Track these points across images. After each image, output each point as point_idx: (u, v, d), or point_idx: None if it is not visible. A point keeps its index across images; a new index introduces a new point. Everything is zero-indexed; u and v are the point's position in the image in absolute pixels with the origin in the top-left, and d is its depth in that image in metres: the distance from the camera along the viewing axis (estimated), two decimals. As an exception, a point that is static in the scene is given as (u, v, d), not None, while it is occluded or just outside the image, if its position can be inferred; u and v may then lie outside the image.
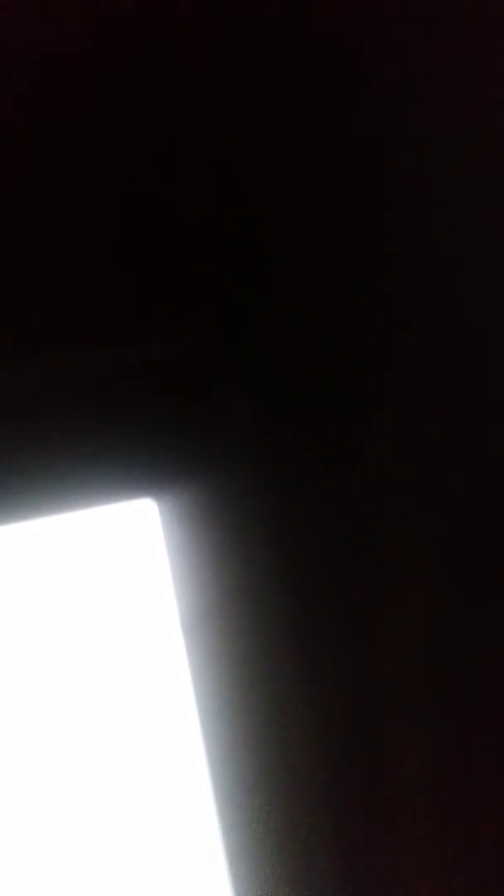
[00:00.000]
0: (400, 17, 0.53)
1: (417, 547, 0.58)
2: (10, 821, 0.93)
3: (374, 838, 0.65)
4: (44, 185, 0.68)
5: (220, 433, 0.78)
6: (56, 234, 0.70)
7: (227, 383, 0.76)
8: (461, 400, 0.55)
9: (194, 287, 0.73)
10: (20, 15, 0.63)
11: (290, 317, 0.69)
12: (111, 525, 0.90)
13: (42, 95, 0.66)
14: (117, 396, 0.76)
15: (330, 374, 0.67)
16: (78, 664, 0.94)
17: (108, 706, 0.93)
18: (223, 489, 0.80)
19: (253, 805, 0.81)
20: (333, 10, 0.57)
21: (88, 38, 0.64)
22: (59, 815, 0.92)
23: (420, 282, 0.57)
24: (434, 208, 0.54)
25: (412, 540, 0.58)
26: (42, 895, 0.92)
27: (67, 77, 0.65)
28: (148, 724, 0.91)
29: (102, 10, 0.64)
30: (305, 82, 0.61)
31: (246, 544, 0.78)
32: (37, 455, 0.78)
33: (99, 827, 0.93)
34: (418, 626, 0.58)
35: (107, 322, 0.73)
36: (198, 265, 0.72)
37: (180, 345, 0.74)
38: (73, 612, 0.94)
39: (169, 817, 0.90)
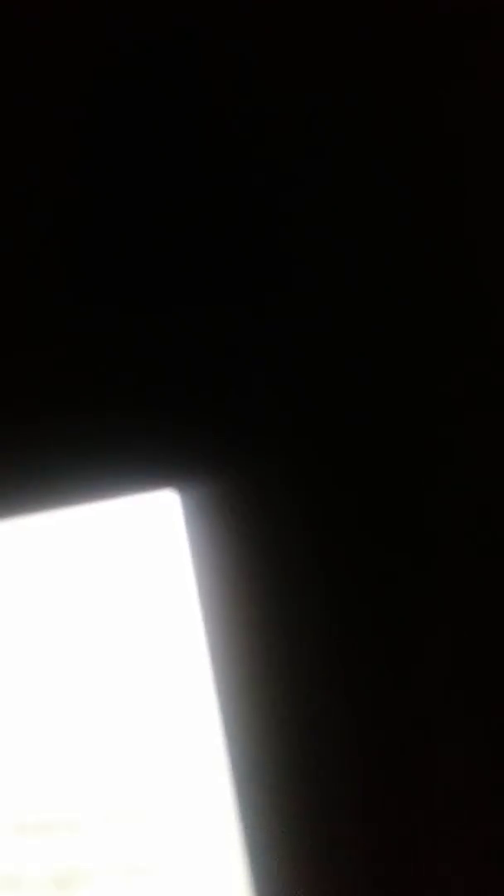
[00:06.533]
0: None
1: (461, 540, 0.56)
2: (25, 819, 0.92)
3: (405, 845, 0.64)
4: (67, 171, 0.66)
5: (246, 422, 0.76)
6: (73, 225, 0.68)
7: (254, 371, 0.74)
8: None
9: (218, 274, 0.71)
10: None
11: (317, 308, 0.68)
12: (133, 517, 0.88)
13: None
14: (139, 382, 0.74)
15: (355, 360, 0.65)
16: (99, 657, 0.92)
17: (128, 701, 0.91)
18: (248, 480, 0.78)
19: (276, 807, 0.79)
20: None
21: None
22: (76, 811, 0.91)
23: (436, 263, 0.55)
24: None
25: (454, 533, 0.56)
26: None
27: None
28: (169, 720, 0.89)
29: None
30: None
31: (272, 537, 0.77)
32: (56, 444, 0.76)
33: (119, 829, 0.91)
34: (463, 623, 0.56)
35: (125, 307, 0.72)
36: (220, 252, 0.71)
37: (205, 335, 0.72)
38: (94, 604, 0.92)
39: (190, 816, 0.89)
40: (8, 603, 0.90)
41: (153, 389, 0.75)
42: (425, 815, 0.65)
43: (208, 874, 0.88)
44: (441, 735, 0.63)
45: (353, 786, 0.70)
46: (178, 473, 0.81)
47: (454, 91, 0.58)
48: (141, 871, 0.89)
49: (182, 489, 0.87)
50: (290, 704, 0.76)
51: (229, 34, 0.63)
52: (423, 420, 0.63)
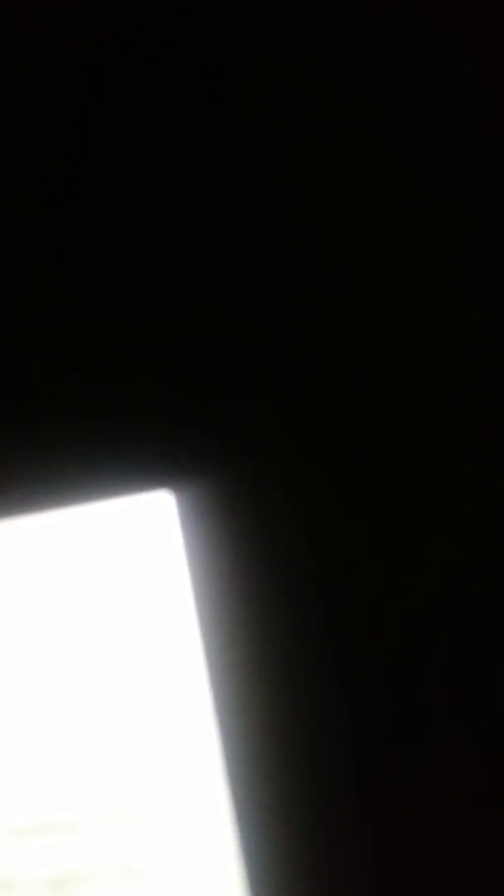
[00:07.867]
0: None
1: (457, 539, 0.56)
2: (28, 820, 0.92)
3: (404, 844, 0.64)
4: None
5: (242, 424, 0.76)
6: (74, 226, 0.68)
7: (249, 374, 0.74)
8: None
9: (216, 277, 0.71)
10: None
11: (313, 308, 0.68)
12: (129, 517, 0.88)
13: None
14: (135, 383, 0.74)
15: (351, 363, 0.65)
16: (95, 657, 0.92)
17: (125, 702, 0.91)
18: (244, 481, 0.78)
19: (274, 807, 0.79)
20: None
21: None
22: (72, 813, 0.91)
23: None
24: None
25: (451, 533, 0.56)
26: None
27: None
28: (166, 721, 0.89)
29: None
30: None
31: (267, 538, 0.77)
32: (54, 445, 0.76)
33: (115, 831, 0.91)
34: (459, 623, 0.56)
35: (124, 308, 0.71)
36: (220, 251, 0.71)
37: (202, 337, 0.72)
38: (90, 604, 0.92)
39: (187, 817, 0.89)
40: (4, 603, 0.90)
41: (150, 392, 0.75)
42: (424, 815, 0.64)
43: (205, 876, 0.88)
44: (439, 735, 0.63)
45: (352, 786, 0.70)
46: (174, 475, 0.81)
47: (458, 103, 0.58)
48: (137, 873, 0.89)
49: (178, 490, 0.87)
50: (287, 704, 0.76)
51: (229, 36, 0.64)
52: (421, 422, 0.63)
